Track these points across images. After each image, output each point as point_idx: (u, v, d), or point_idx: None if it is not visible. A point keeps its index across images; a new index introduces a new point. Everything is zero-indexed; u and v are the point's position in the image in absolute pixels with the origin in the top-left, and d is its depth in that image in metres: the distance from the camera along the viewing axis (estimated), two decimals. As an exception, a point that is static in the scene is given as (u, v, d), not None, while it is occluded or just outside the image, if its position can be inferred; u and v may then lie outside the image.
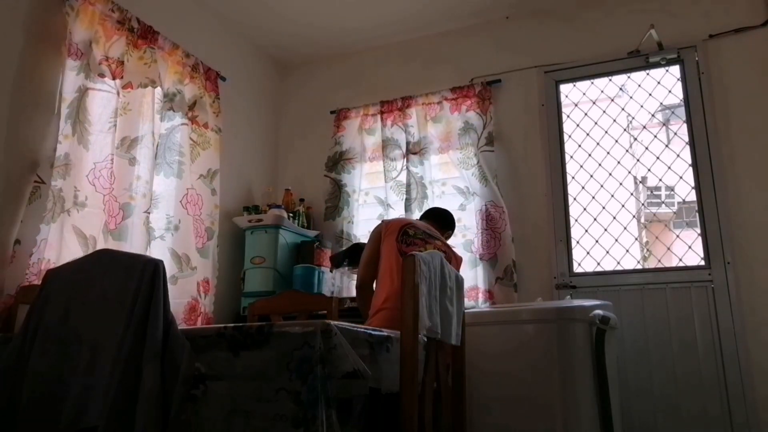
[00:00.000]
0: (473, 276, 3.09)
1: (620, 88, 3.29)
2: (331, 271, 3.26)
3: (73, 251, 2.30)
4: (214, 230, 3.05)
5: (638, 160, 3.17)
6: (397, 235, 2.41)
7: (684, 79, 3.06)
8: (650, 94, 3.18)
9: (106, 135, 2.50)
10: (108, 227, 2.47)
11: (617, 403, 2.26)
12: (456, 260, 2.51)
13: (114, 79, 2.57)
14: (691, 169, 2.96)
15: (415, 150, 3.39)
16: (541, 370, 2.12)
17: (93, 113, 2.46)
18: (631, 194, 3.31)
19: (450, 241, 3.24)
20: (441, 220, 2.72)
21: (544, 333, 2.19)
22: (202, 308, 2.89)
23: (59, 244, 2.27)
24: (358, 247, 2.87)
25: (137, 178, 2.63)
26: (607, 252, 3.08)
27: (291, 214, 3.37)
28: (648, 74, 3.19)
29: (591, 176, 3.17)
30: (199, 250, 2.94)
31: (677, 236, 3.04)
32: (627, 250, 3.09)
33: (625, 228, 3.11)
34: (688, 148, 3.00)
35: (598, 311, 2.22)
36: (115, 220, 2.50)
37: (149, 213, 2.64)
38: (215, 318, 3.04)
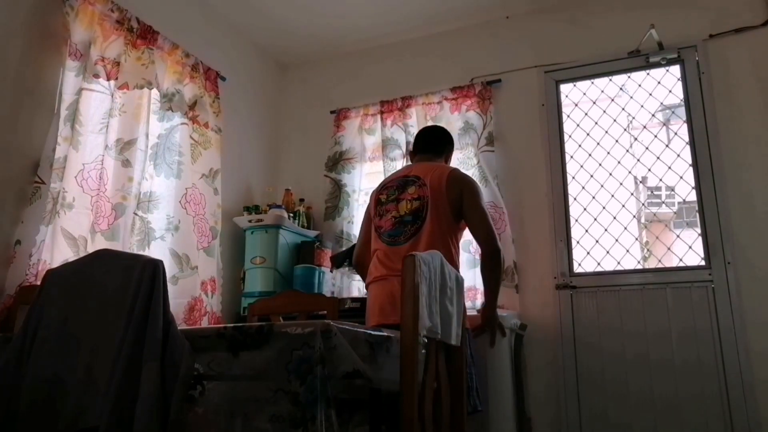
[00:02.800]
0: (472, 277, 3.08)
1: (620, 88, 3.29)
2: (331, 271, 3.26)
3: (63, 253, 2.30)
4: (218, 229, 3.06)
5: (638, 160, 3.17)
6: (374, 206, 2.36)
7: (684, 78, 3.06)
8: (650, 94, 3.17)
9: (97, 136, 2.49)
10: (99, 228, 2.45)
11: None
12: (439, 180, 2.22)
13: (108, 80, 2.56)
14: (691, 169, 2.96)
15: (415, 150, 3.39)
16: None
17: (86, 114, 2.45)
18: (632, 194, 3.31)
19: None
20: (432, 147, 2.46)
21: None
22: (209, 308, 2.89)
23: (52, 246, 2.28)
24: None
25: (130, 180, 2.61)
26: (608, 252, 3.08)
27: (291, 214, 3.37)
28: (648, 74, 3.19)
29: (591, 176, 3.17)
30: (204, 249, 2.95)
31: (677, 236, 3.03)
32: (627, 250, 3.08)
33: (625, 228, 3.11)
34: (688, 147, 3.00)
35: (516, 320, 2.77)
36: (107, 221, 2.49)
37: (136, 214, 2.63)
38: (223, 317, 3.04)
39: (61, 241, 2.31)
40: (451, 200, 2.19)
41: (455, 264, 2.21)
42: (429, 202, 2.19)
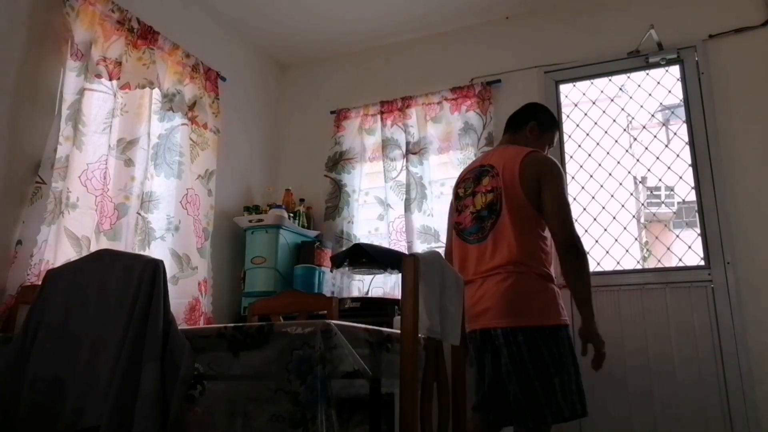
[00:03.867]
0: (473, 276, 3.08)
1: (620, 89, 3.29)
2: (331, 271, 3.26)
3: (66, 253, 2.30)
4: (209, 231, 3.05)
5: (638, 160, 3.17)
6: (454, 201, 2.20)
7: (684, 79, 3.06)
8: (650, 95, 3.17)
9: (101, 136, 2.49)
10: (102, 228, 2.46)
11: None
12: (512, 167, 1.99)
13: (111, 79, 2.57)
14: (690, 169, 2.96)
15: (414, 150, 3.39)
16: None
17: (88, 114, 2.46)
18: (631, 194, 3.31)
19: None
20: (512, 124, 2.24)
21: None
22: (203, 308, 2.90)
23: (56, 246, 2.28)
24: (359, 248, 2.86)
25: (132, 179, 2.62)
26: (607, 252, 3.08)
27: (291, 214, 3.37)
28: (648, 74, 3.19)
29: (591, 176, 3.17)
30: (198, 250, 2.95)
31: (677, 236, 3.04)
32: (627, 250, 3.09)
33: (624, 228, 3.11)
34: (687, 148, 3.00)
35: None
36: (110, 221, 2.50)
37: (140, 214, 2.64)
38: (215, 318, 3.04)
39: (64, 241, 2.31)
40: (527, 188, 1.95)
41: (548, 261, 2.01)
42: (503, 193, 1.98)
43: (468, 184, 2.14)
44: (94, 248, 2.35)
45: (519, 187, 1.96)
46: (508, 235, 1.96)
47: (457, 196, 2.19)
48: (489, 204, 2.02)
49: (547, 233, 2.03)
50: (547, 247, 2.03)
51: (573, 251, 1.94)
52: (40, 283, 1.74)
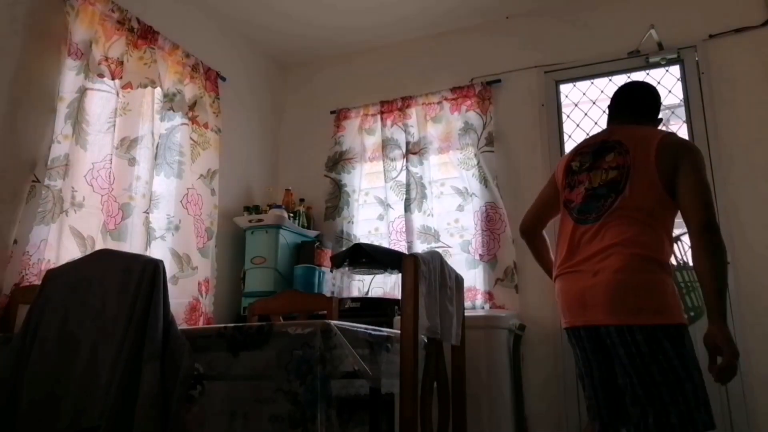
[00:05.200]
0: (472, 277, 3.08)
1: (620, 88, 3.28)
2: (331, 271, 3.26)
3: (71, 252, 2.30)
4: (213, 230, 3.06)
5: (638, 160, 3.17)
6: (564, 176, 1.97)
7: (684, 79, 3.06)
8: (650, 94, 3.17)
9: (105, 135, 2.50)
10: (107, 227, 2.47)
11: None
12: (647, 146, 1.77)
13: (113, 79, 2.57)
14: (691, 169, 2.96)
15: (414, 150, 3.39)
16: (472, 368, 2.33)
17: (92, 114, 2.46)
18: (631, 194, 3.30)
19: (448, 241, 3.26)
20: (633, 110, 1.98)
21: (474, 337, 2.41)
22: (204, 308, 2.90)
23: (58, 245, 2.27)
24: (359, 248, 2.87)
25: (137, 179, 2.63)
26: (607, 252, 3.07)
27: (291, 214, 3.37)
28: (648, 74, 3.19)
29: (591, 176, 3.16)
30: (200, 250, 2.95)
31: (677, 237, 3.03)
32: (627, 250, 3.07)
33: (625, 228, 3.10)
34: (688, 148, 2.99)
35: (515, 320, 2.81)
36: (114, 220, 2.50)
37: (148, 213, 2.64)
38: (215, 318, 3.04)
39: (67, 241, 2.31)
40: (663, 172, 1.73)
41: (665, 254, 1.75)
42: (630, 172, 1.77)
43: (585, 158, 1.92)
44: (98, 248, 2.34)
45: (654, 169, 1.74)
46: (628, 218, 1.74)
47: (569, 170, 1.96)
48: (609, 181, 1.80)
49: (673, 224, 1.81)
50: (670, 239, 1.81)
51: (713, 230, 1.66)
52: (39, 282, 1.74)
